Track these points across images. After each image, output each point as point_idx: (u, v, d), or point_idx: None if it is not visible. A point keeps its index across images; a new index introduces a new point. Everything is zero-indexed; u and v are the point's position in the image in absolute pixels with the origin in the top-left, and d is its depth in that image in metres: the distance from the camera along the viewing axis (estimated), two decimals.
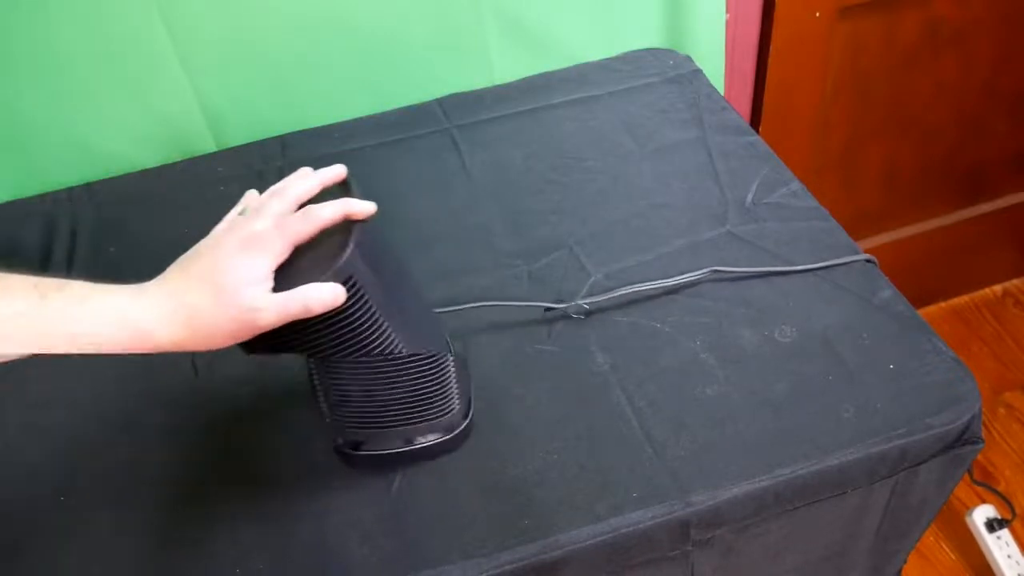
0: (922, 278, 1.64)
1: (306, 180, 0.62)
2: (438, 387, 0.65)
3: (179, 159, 1.05)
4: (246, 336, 0.56)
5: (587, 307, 0.80)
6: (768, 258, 0.84)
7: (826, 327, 0.77)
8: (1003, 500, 1.35)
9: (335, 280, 0.57)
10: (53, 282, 0.53)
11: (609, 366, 0.76)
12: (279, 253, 0.57)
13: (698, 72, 1.10)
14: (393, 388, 0.64)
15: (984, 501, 1.36)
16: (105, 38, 0.95)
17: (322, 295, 0.56)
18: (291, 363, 0.66)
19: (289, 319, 0.55)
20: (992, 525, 1.32)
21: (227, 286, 0.54)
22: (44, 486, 0.72)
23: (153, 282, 0.56)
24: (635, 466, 0.69)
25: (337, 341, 0.59)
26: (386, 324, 0.61)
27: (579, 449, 0.70)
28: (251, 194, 0.63)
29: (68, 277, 0.91)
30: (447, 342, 0.71)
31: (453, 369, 0.65)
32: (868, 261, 0.83)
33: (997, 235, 1.69)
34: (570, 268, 0.86)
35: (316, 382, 0.65)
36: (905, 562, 0.87)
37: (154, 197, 1.00)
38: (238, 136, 1.07)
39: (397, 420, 0.66)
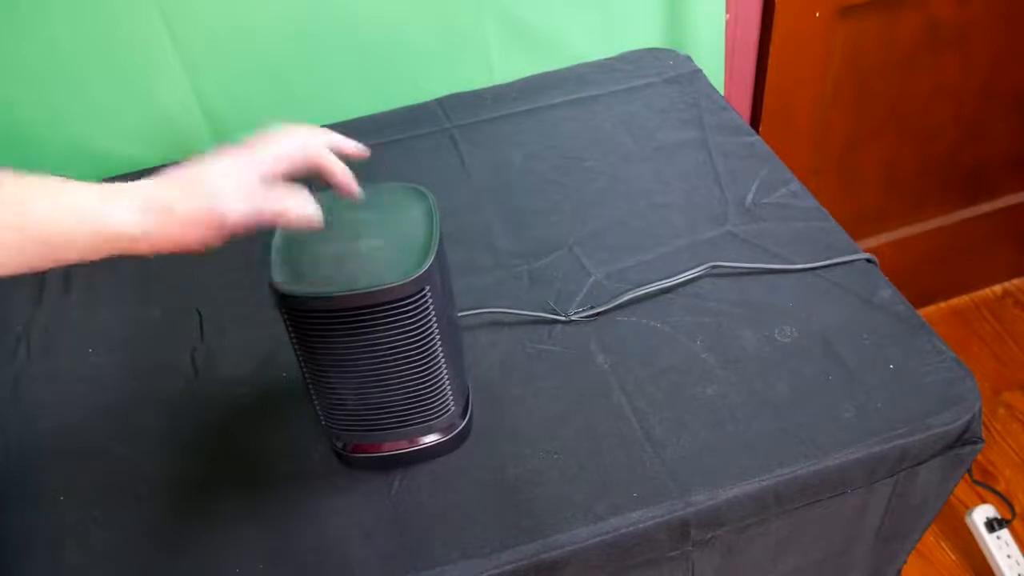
0: (922, 278, 1.64)
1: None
2: (431, 388, 0.64)
3: (179, 159, 1.05)
4: (217, 234, 0.54)
5: (590, 314, 0.80)
6: (768, 258, 0.84)
7: (826, 327, 0.77)
8: (1003, 500, 1.35)
9: (413, 287, 0.58)
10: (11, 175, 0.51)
11: (609, 366, 0.76)
12: (258, 161, 0.58)
13: (698, 72, 1.10)
14: (385, 391, 0.64)
15: (984, 501, 1.36)
16: (105, 38, 0.95)
17: (300, 207, 0.56)
18: (290, 363, 0.66)
19: (260, 220, 0.55)
20: (992, 525, 1.31)
21: (196, 178, 0.55)
22: (44, 485, 0.72)
23: (129, 184, 0.54)
24: (635, 466, 0.69)
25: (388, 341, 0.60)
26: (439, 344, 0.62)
27: (579, 449, 0.70)
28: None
29: (68, 277, 0.92)
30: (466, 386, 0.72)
31: (446, 370, 0.65)
32: (868, 261, 0.83)
33: (997, 235, 1.69)
34: (570, 268, 0.86)
35: (311, 388, 0.65)
36: (905, 562, 0.87)
37: None
38: (238, 136, 1.07)
39: (392, 423, 0.66)
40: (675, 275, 0.82)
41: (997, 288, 1.79)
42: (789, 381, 0.73)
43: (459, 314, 0.76)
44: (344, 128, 1.06)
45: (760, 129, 1.33)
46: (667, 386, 0.74)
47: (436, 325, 0.61)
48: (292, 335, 0.61)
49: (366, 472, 0.71)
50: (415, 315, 0.59)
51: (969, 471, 0.76)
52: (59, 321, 0.86)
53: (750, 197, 0.91)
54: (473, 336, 0.80)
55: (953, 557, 1.40)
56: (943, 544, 1.41)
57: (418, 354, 0.62)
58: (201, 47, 0.99)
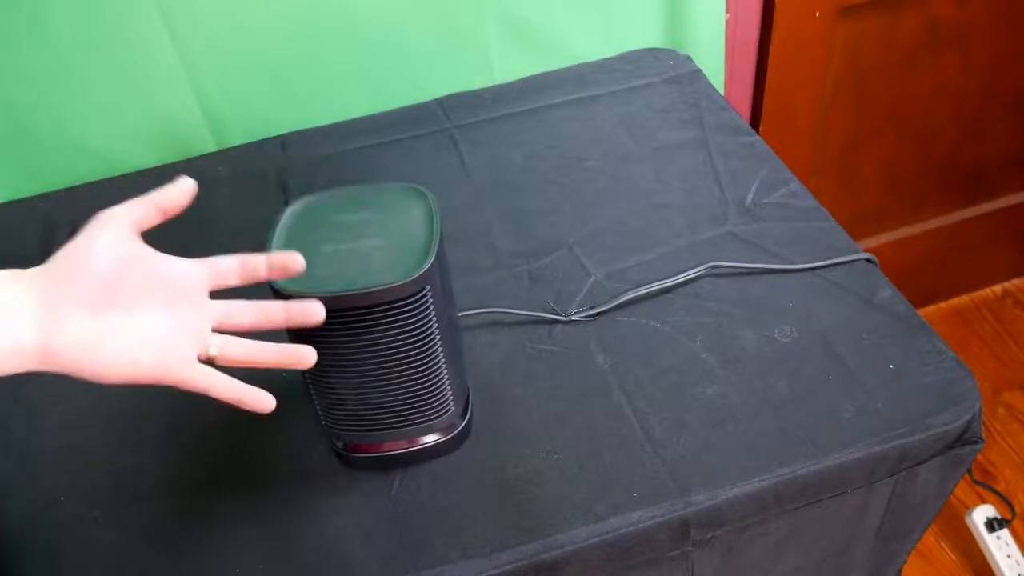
0: (922, 278, 1.64)
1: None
2: (431, 388, 0.64)
3: (179, 159, 1.05)
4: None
5: (590, 314, 0.80)
6: (768, 258, 0.84)
7: (826, 327, 0.77)
8: (1003, 500, 1.35)
9: (413, 287, 0.58)
10: None
11: (609, 366, 0.76)
12: None
13: (698, 72, 1.10)
14: (386, 391, 0.64)
15: (984, 501, 1.36)
16: (105, 38, 0.95)
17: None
18: None
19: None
20: (992, 525, 1.31)
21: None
22: (45, 485, 0.72)
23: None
24: (635, 466, 0.69)
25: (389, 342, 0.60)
26: (440, 348, 0.62)
27: (579, 449, 0.70)
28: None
29: None
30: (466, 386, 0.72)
31: (446, 370, 0.65)
32: (868, 260, 0.83)
33: (997, 235, 1.69)
34: (570, 268, 0.86)
35: (311, 388, 0.65)
36: (905, 562, 0.87)
37: None
38: (238, 136, 1.07)
39: (392, 423, 0.66)
40: (675, 275, 0.82)
41: (997, 288, 1.79)
42: (789, 381, 0.73)
43: (459, 314, 0.76)
44: (344, 128, 1.07)
45: (760, 129, 1.33)
46: (667, 386, 0.74)
47: (436, 325, 0.61)
48: (292, 335, 0.61)
49: (366, 472, 0.71)
50: (415, 315, 0.59)
51: (969, 471, 0.76)
52: None
53: (750, 197, 0.91)
54: (473, 336, 0.80)
55: (953, 557, 1.40)
56: (943, 544, 1.41)
57: (418, 354, 0.62)
58: (201, 47, 0.99)
